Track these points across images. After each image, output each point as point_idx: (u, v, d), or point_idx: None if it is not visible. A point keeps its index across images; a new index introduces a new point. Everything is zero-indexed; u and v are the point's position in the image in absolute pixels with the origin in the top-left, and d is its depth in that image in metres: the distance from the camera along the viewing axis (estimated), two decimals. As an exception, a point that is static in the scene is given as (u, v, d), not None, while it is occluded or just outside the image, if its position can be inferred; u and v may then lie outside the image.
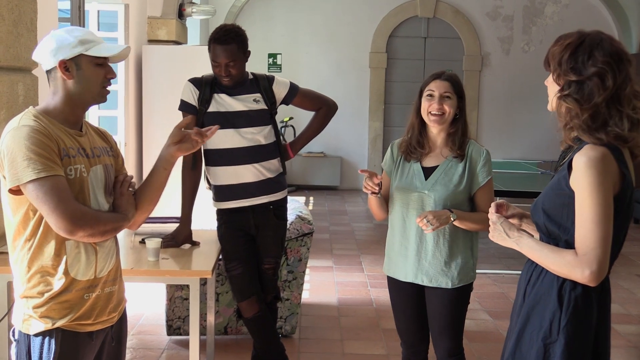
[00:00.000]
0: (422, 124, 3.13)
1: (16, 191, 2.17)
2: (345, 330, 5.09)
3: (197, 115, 3.73)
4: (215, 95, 3.74)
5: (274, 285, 3.99)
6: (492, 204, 2.36)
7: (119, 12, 6.51)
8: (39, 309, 2.24)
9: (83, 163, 2.26)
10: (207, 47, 3.76)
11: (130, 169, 6.60)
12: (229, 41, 3.63)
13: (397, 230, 3.19)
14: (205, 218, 5.29)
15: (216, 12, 8.84)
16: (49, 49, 2.26)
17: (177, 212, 3.90)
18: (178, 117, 4.01)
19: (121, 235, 4.14)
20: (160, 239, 3.54)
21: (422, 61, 12.15)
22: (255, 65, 3.91)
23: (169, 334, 4.72)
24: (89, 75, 2.27)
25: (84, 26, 5.51)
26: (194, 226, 3.90)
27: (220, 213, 3.87)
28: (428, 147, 3.14)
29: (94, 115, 6.27)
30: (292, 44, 12.06)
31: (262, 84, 3.77)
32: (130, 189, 2.43)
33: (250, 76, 3.81)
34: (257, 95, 3.75)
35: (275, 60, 11.99)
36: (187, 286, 4.51)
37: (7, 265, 3.21)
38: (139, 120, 6.98)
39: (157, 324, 5.02)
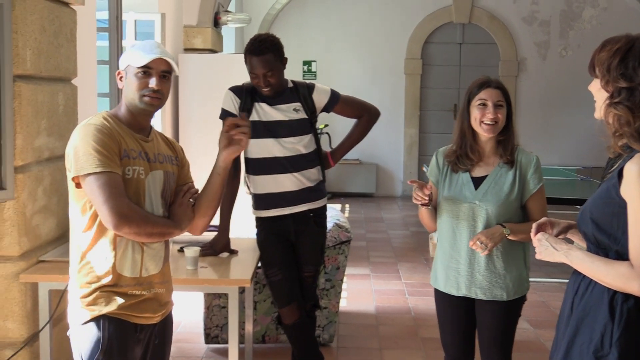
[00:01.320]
0: (473, 133, 3.07)
1: (77, 183, 2.35)
2: (383, 339, 5.04)
3: None
4: (256, 104, 3.73)
5: (313, 293, 3.97)
6: (534, 225, 2.30)
7: (155, 22, 6.56)
8: (86, 298, 2.38)
9: (142, 166, 2.41)
10: (242, 54, 3.76)
11: (167, 177, 6.64)
12: (264, 51, 3.59)
13: (446, 243, 3.12)
14: (243, 226, 5.29)
15: (251, 20, 8.87)
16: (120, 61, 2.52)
17: (215, 221, 3.89)
18: (215, 124, 4.01)
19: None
20: (199, 248, 3.54)
21: (458, 67, 12.05)
22: (290, 72, 3.88)
23: (206, 342, 4.73)
24: (128, 83, 2.44)
25: (121, 36, 5.55)
26: (232, 234, 3.89)
27: (260, 220, 3.87)
28: (477, 156, 3.08)
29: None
30: (327, 51, 12.04)
31: (302, 93, 3.75)
32: (190, 200, 2.56)
33: (290, 84, 3.78)
34: (297, 105, 3.73)
35: (310, 68, 12.00)
36: (225, 294, 4.51)
37: (49, 273, 3.29)
38: (175, 128, 7.02)
39: (194, 332, 5.02)
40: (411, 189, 3.02)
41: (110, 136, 2.34)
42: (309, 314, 3.96)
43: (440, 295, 3.18)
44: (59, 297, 3.27)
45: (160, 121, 6.51)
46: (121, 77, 2.47)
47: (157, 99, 2.43)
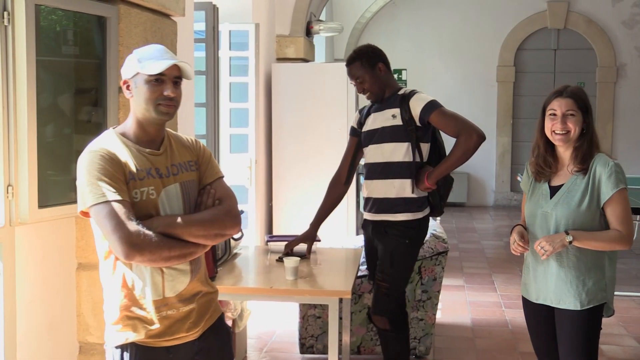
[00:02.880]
0: (548, 143, 3.05)
1: (87, 213, 2.21)
2: (481, 353, 4.91)
3: (358, 136, 3.91)
4: (370, 115, 3.83)
5: (384, 305, 3.76)
6: None
7: (249, 32, 6.62)
8: (115, 325, 2.27)
9: (153, 185, 2.26)
10: (333, 64, 3.85)
11: (260, 186, 6.68)
12: (350, 61, 3.78)
13: (530, 251, 3.10)
14: (346, 236, 5.27)
15: (343, 29, 8.85)
16: (124, 68, 2.33)
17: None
18: (307, 133, 4.02)
19: (251, 253, 4.17)
20: (299, 258, 3.52)
21: (552, 74, 11.72)
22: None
23: (301, 352, 4.71)
24: (142, 92, 2.25)
25: (217, 47, 5.62)
26: (338, 244, 3.91)
27: None
28: (555, 166, 3.05)
29: (225, 133, 6.38)
30: (417, 59, 11.93)
31: (404, 100, 3.69)
32: (217, 201, 2.35)
33: (402, 92, 3.76)
34: (396, 111, 3.69)
35: (400, 76, 11.91)
36: (321, 305, 4.48)
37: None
38: (269, 137, 7.06)
39: (289, 341, 5.01)
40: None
41: (112, 162, 2.19)
42: (389, 333, 3.79)
43: (524, 303, 3.23)
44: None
45: (254, 131, 6.56)
46: (128, 86, 2.29)
47: (172, 107, 2.29)
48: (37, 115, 2.85)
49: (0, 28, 2.74)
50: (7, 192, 2.80)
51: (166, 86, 2.25)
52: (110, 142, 2.26)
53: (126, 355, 2.27)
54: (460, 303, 6.10)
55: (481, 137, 3.59)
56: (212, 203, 2.33)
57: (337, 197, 3.97)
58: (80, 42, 3.22)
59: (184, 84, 2.30)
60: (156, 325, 2.26)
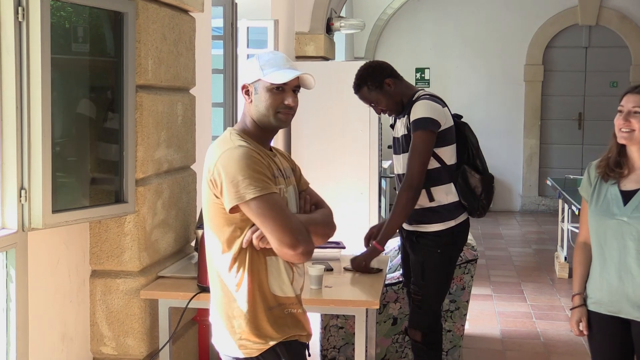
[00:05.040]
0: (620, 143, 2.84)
1: (235, 209, 2.20)
2: (512, 366, 4.72)
3: None
4: (397, 120, 3.72)
5: (416, 318, 3.64)
6: None
7: (268, 29, 6.48)
8: (252, 331, 2.25)
9: (283, 183, 2.31)
10: (355, 62, 3.73)
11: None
12: (357, 89, 3.65)
13: (596, 261, 2.89)
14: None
15: (365, 25, 8.65)
16: (244, 72, 2.37)
17: (336, 238, 3.74)
18: (327, 134, 3.85)
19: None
20: (323, 266, 3.35)
21: (583, 73, 11.42)
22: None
23: (323, 363, 4.54)
24: (263, 100, 2.30)
25: (236, 44, 5.47)
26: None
27: None
28: (627, 168, 2.83)
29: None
30: (441, 58, 11.68)
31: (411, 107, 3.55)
32: (313, 206, 2.44)
33: (415, 96, 3.59)
34: (405, 118, 3.59)
35: (423, 75, 11.68)
36: (344, 315, 4.31)
37: (169, 290, 3.19)
38: (288, 137, 6.90)
39: (311, 352, 4.83)
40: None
41: (261, 157, 2.24)
42: (421, 346, 3.64)
43: (590, 316, 2.94)
44: (179, 315, 3.17)
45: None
46: (247, 91, 2.34)
47: (290, 115, 2.34)
48: (51, 116, 2.71)
49: (15, 24, 2.59)
50: (20, 196, 2.66)
51: (287, 95, 2.30)
52: (243, 141, 2.27)
53: (276, 356, 2.27)
54: (488, 313, 5.90)
55: (413, 192, 3.47)
56: (309, 209, 2.42)
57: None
58: (91, 39, 3.09)
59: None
60: (288, 321, 2.32)
